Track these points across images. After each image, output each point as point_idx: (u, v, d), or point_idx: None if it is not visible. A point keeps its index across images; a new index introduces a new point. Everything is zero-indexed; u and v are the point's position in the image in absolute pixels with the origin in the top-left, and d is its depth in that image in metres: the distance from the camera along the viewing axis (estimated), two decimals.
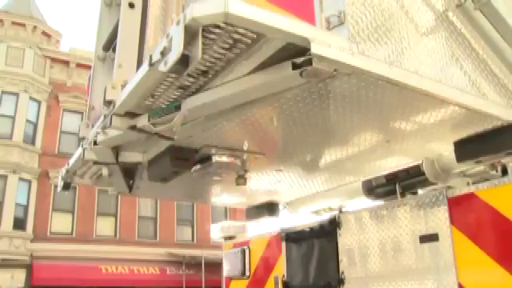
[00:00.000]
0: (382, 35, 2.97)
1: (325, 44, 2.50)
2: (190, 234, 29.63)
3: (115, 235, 27.14)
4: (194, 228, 29.62)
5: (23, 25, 27.28)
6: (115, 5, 4.90)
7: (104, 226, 27.05)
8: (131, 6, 4.01)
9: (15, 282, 23.52)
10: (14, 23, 27.09)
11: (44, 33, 28.37)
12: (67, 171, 4.88)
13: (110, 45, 4.58)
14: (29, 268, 23.91)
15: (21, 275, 23.84)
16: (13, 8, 27.94)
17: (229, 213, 29.38)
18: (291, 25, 2.42)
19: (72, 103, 28.03)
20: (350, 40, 2.73)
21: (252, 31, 2.43)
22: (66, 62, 28.44)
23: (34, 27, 27.67)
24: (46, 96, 27.44)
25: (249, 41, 2.55)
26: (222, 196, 5.97)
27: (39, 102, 27.09)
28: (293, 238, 5.67)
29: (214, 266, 23.99)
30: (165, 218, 28.62)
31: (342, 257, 4.97)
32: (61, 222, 25.95)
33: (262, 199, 6.23)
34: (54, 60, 28.31)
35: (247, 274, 6.35)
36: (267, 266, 6.03)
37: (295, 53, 2.62)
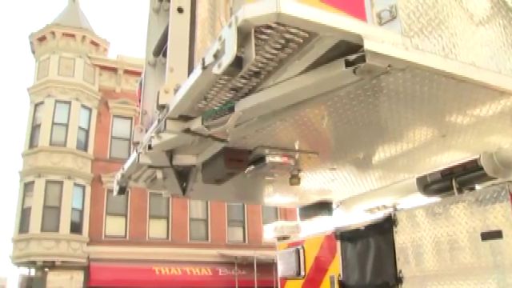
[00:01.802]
0: (436, 28, 2.90)
1: (378, 40, 2.47)
2: (241, 234, 29.76)
3: (167, 237, 27.54)
4: (245, 229, 29.74)
5: (73, 35, 28.10)
6: (163, 10, 4.99)
7: (156, 229, 27.50)
8: (180, 10, 4.07)
9: (74, 283, 24.31)
10: (64, 34, 27.95)
11: (92, 42, 29.13)
12: (122, 176, 4.99)
13: (160, 50, 4.66)
14: (86, 270, 24.60)
15: (79, 276, 24.60)
16: (63, 20, 28.85)
17: (279, 213, 29.37)
18: (343, 22, 2.40)
19: (121, 109, 28.66)
20: (402, 34, 2.69)
21: (304, 30, 2.43)
22: (114, 69, 29.08)
23: (83, 37, 28.45)
24: (96, 103, 28.15)
25: (301, 40, 2.54)
26: (274, 196, 5.97)
27: (90, 109, 27.81)
28: (348, 236, 5.61)
29: (266, 267, 24.04)
30: (216, 220, 28.85)
31: (399, 255, 4.87)
32: (114, 226, 26.56)
33: (315, 198, 6.19)
34: (102, 68, 29.02)
35: (302, 273, 6.32)
36: (322, 265, 5.98)
37: (347, 50, 2.60)
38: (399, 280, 4.80)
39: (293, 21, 2.29)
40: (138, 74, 27.86)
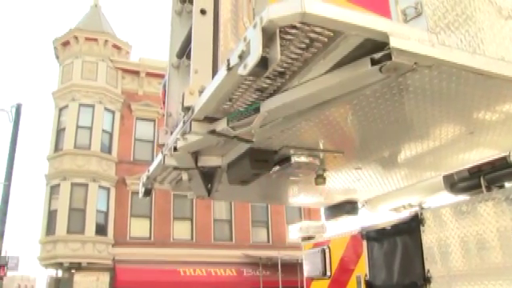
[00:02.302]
0: (463, 23, 2.86)
1: (404, 37, 2.44)
2: (266, 235, 29.74)
3: (192, 238, 27.68)
4: (269, 229, 29.72)
5: (95, 40, 28.45)
6: (186, 12, 5.01)
7: (180, 230, 27.66)
8: (203, 12, 4.08)
9: (100, 284, 24.63)
10: (87, 39, 28.32)
11: (114, 45, 29.45)
12: (148, 177, 5.01)
13: (183, 52, 4.68)
14: (112, 271, 24.89)
15: (105, 278, 24.91)
16: (85, 25, 29.25)
17: (303, 213, 29.29)
18: (368, 20, 2.38)
19: (144, 111, 28.90)
20: (429, 31, 2.66)
21: (329, 29, 2.41)
22: (137, 72, 29.33)
23: (106, 41, 28.77)
24: (119, 106, 28.43)
25: (325, 39, 2.52)
26: (299, 196, 5.95)
27: (113, 112, 28.11)
28: (374, 236, 5.57)
29: (291, 267, 24.00)
30: (240, 220, 28.90)
31: (427, 255, 4.82)
32: (139, 227, 26.80)
33: (340, 198, 6.15)
34: (125, 71, 29.30)
35: (328, 273, 6.30)
36: (348, 265, 5.95)
37: (372, 49, 2.57)
38: (427, 280, 4.75)
39: (318, 20, 2.28)
40: (160, 76, 28.11)
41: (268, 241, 29.54)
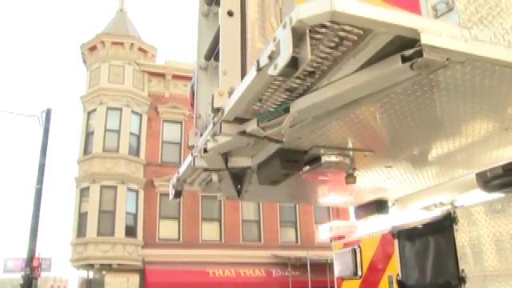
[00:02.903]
0: (496, 16, 2.80)
1: (435, 33, 2.40)
2: (294, 235, 29.68)
3: (220, 239, 27.79)
4: (297, 229, 29.64)
5: (121, 44, 28.79)
6: (212, 14, 5.03)
7: (209, 231, 27.79)
8: (230, 14, 4.08)
9: (130, 285, 24.94)
10: (113, 43, 28.69)
11: (140, 49, 29.75)
12: (178, 179, 5.05)
13: (211, 54, 4.69)
14: (141, 272, 25.16)
15: (135, 279, 25.21)
16: (112, 29, 29.65)
17: (332, 213, 29.15)
18: (399, 17, 2.36)
19: (170, 113, 29.12)
20: (461, 26, 2.61)
21: (358, 27, 2.39)
22: (163, 75, 29.58)
23: (131, 45, 29.09)
24: (146, 109, 28.71)
25: (355, 37, 2.50)
26: (328, 196, 5.92)
27: (140, 115, 28.40)
28: (405, 235, 5.50)
29: (320, 267, 23.93)
30: (268, 221, 28.90)
31: (461, 254, 4.75)
32: (168, 229, 27.02)
33: (370, 197, 6.09)
34: (151, 74, 29.57)
35: (359, 273, 6.26)
36: (380, 265, 5.90)
37: (402, 46, 2.54)
38: (462, 279, 4.68)
39: (347, 18, 2.26)
40: (186, 78, 28.24)
41: (296, 241, 29.47)
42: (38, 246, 20.25)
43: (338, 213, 28.30)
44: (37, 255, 20.31)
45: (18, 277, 22.15)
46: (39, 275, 20.84)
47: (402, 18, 2.36)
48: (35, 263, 19.97)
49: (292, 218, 29.81)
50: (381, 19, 2.28)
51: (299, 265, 26.21)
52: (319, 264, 24.26)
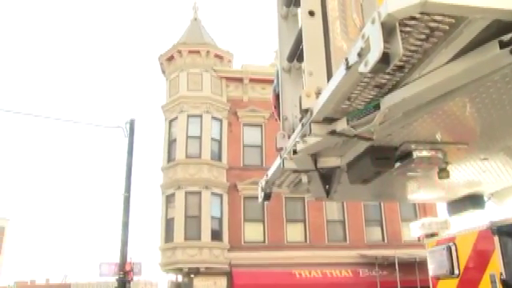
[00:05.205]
0: None
1: None
2: (380, 234, 29.04)
3: (305, 240, 27.68)
4: (383, 228, 28.99)
5: (198, 51, 29.41)
6: (291, 16, 5.02)
7: (294, 232, 27.76)
8: (311, 14, 4.06)
9: None
10: (190, 52, 29.37)
11: (216, 55, 30.24)
12: (267, 182, 5.08)
13: (293, 55, 4.68)
14: (228, 275, 25.52)
15: (222, 282, 25.64)
16: (187, 39, 30.38)
17: (418, 210, 28.29)
18: (495, 0, 2.24)
19: (250, 117, 29.40)
20: None
21: (450, 16, 2.30)
22: (240, 79, 29.91)
23: (208, 52, 29.65)
24: (225, 114, 29.15)
25: (447, 27, 2.41)
26: (419, 192, 5.74)
27: (220, 120, 28.87)
28: (507, 231, 5.22)
29: (408, 266, 23.26)
30: (353, 220, 28.48)
31: None
32: (253, 231, 27.25)
33: (464, 192, 5.85)
34: (228, 79, 29.99)
35: (456, 272, 6.00)
36: (479, 263, 5.63)
37: (498, 30, 2.42)
38: None
39: (439, 8, 2.18)
40: (263, 81, 28.35)
41: (383, 239, 28.83)
42: (129, 251, 21.02)
43: (424, 209, 27.40)
44: (128, 260, 21.08)
45: (112, 280, 23.06)
46: (132, 279, 21.61)
47: (501, 1, 2.24)
48: (128, 267, 20.72)
49: (377, 216, 29.20)
50: (476, 4, 2.18)
51: (387, 264, 25.60)
52: (408, 263, 23.58)
